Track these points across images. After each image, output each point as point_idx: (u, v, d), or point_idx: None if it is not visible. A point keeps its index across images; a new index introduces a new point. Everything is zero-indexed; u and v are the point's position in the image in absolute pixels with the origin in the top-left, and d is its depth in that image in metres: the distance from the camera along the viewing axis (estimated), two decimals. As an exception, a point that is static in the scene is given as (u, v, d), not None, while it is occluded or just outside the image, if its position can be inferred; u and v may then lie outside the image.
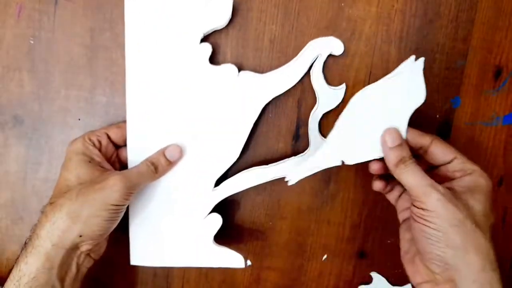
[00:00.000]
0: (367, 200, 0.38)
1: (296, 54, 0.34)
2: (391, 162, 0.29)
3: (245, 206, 0.37)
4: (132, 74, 0.32)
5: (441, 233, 0.27)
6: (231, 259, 0.34)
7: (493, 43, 0.36)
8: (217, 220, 0.34)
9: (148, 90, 0.32)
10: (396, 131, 0.30)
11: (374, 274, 0.39)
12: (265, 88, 0.33)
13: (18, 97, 0.35)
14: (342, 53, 0.34)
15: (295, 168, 0.33)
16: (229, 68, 0.33)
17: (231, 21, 0.33)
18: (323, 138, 0.34)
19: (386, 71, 0.35)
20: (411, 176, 0.28)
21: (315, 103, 0.35)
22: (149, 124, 0.33)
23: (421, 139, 0.30)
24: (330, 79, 0.35)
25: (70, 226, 0.28)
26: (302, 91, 0.35)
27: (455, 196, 0.28)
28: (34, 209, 0.36)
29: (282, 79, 0.33)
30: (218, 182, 0.34)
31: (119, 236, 0.37)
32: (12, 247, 0.37)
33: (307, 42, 0.34)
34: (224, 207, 0.37)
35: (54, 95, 0.35)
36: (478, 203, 0.28)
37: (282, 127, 0.36)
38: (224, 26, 0.33)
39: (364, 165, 0.37)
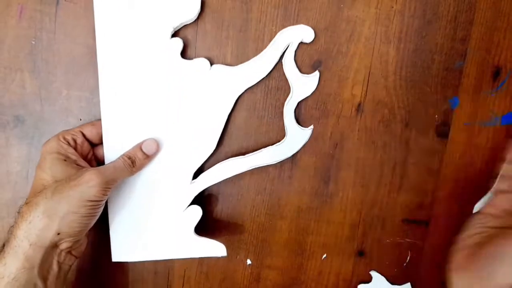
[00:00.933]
0: (366, 200, 0.38)
1: (296, 55, 0.34)
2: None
3: (245, 205, 0.37)
4: (104, 70, 0.32)
5: None
6: (213, 248, 0.35)
7: (491, 44, 0.36)
8: (197, 212, 0.34)
9: (121, 86, 0.33)
10: None
11: (373, 273, 0.39)
12: (237, 80, 0.34)
13: (20, 97, 0.35)
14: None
15: (272, 158, 0.34)
16: (201, 62, 0.33)
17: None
18: (300, 126, 0.35)
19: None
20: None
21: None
22: (124, 120, 0.33)
23: None
24: (330, 79, 0.35)
25: (47, 224, 0.28)
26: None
27: None
28: (35, 208, 0.36)
29: (254, 70, 0.34)
30: (195, 175, 0.35)
31: None
32: (13, 246, 0.37)
33: (306, 43, 0.34)
34: (225, 207, 0.38)
35: (55, 96, 0.35)
36: None
37: (281, 127, 0.36)
38: (193, 20, 0.33)
39: (364, 165, 0.37)
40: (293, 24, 0.34)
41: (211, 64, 0.34)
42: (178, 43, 0.33)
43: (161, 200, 0.34)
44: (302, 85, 0.35)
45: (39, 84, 0.35)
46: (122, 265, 0.37)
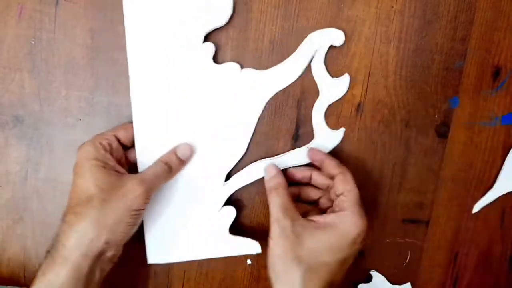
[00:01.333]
0: (366, 200, 0.38)
1: (296, 55, 0.34)
2: (266, 190, 0.33)
3: (245, 206, 0.38)
4: (135, 75, 0.32)
5: (272, 261, 0.30)
6: (248, 246, 0.35)
7: (491, 44, 0.36)
8: (231, 212, 0.35)
9: (153, 90, 0.33)
10: (270, 166, 0.34)
11: (373, 273, 0.39)
12: (267, 83, 0.34)
13: (19, 97, 0.35)
14: (342, 46, 0.34)
15: (302, 159, 0.35)
16: (231, 66, 0.34)
17: (230, 22, 0.34)
18: (329, 128, 0.35)
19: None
20: (271, 206, 0.32)
21: (315, 100, 0.35)
22: (156, 125, 0.33)
23: (329, 171, 0.33)
24: (330, 80, 0.36)
25: (97, 234, 0.28)
26: (302, 91, 0.35)
27: (299, 229, 0.30)
28: (34, 209, 0.36)
29: (284, 73, 0.34)
30: (227, 177, 0.35)
31: None
32: (13, 247, 0.37)
33: (306, 43, 0.34)
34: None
35: (55, 96, 0.35)
36: (312, 241, 0.30)
37: (282, 127, 0.36)
38: (224, 24, 0.33)
39: (364, 164, 0.37)
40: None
41: (242, 67, 0.34)
42: (210, 47, 0.33)
43: (195, 201, 0.35)
44: (331, 88, 0.35)
45: (38, 84, 0.35)
46: (121, 265, 0.37)
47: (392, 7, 0.35)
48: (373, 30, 0.35)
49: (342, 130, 0.36)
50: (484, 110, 0.37)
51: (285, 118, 0.36)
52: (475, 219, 0.39)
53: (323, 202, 0.35)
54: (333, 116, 0.36)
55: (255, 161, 0.36)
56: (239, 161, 0.35)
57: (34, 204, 0.36)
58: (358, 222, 0.30)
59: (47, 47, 0.34)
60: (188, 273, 0.38)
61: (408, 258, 0.40)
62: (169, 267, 0.38)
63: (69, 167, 0.35)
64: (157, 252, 0.35)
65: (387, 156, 0.37)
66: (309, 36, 0.34)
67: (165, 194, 0.34)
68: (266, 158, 0.35)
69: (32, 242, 0.37)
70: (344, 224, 0.30)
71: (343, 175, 0.32)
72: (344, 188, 0.31)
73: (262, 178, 0.35)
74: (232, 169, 0.35)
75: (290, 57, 0.34)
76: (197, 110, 0.34)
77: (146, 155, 0.33)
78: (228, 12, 0.32)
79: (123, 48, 0.33)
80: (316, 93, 0.35)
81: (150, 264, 0.37)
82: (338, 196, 0.32)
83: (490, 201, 0.39)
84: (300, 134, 0.36)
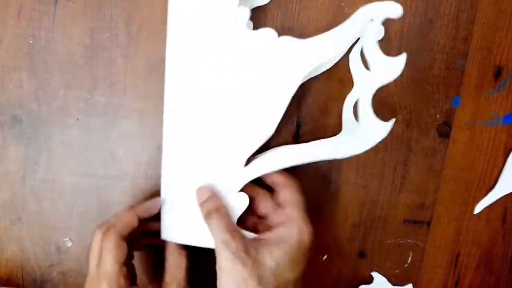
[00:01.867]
0: (367, 200, 0.38)
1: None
2: (202, 216, 0.30)
3: (245, 206, 0.37)
4: (172, 44, 0.30)
5: None
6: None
7: (493, 43, 0.36)
8: (243, 200, 0.31)
9: (188, 57, 0.30)
10: (202, 189, 0.31)
11: (375, 274, 0.39)
12: (307, 54, 0.29)
13: (17, 97, 0.35)
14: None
15: (341, 151, 0.30)
16: (267, 32, 0.30)
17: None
18: (377, 118, 0.30)
19: None
20: (213, 230, 0.29)
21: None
22: (186, 95, 0.31)
23: (272, 177, 0.32)
24: (331, 79, 0.35)
25: None
26: (303, 91, 0.35)
27: (252, 251, 0.27)
28: (32, 209, 0.36)
29: (327, 44, 0.29)
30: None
31: None
32: (11, 247, 0.37)
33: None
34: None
35: (53, 95, 0.35)
36: (271, 260, 0.27)
37: (282, 127, 0.36)
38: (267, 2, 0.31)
39: (365, 165, 0.37)
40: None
41: (279, 35, 0.30)
42: (245, 12, 0.30)
43: (213, 181, 0.31)
44: (385, 68, 0.29)
45: (36, 84, 0.35)
46: None
47: None
48: None
49: (392, 121, 0.30)
50: (485, 109, 0.37)
51: (285, 118, 0.36)
52: (477, 220, 0.39)
53: (272, 219, 0.31)
54: (334, 116, 0.36)
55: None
56: (264, 143, 0.32)
57: (32, 204, 0.36)
58: (308, 229, 0.29)
59: (46, 47, 0.34)
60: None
61: (410, 259, 0.39)
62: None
63: (68, 167, 0.36)
64: (172, 229, 0.32)
65: (388, 156, 0.37)
66: (361, 7, 0.29)
67: (184, 172, 0.32)
68: (297, 144, 0.31)
69: (30, 243, 0.37)
70: (297, 235, 0.29)
71: (288, 184, 0.31)
72: (290, 197, 0.30)
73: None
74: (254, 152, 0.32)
75: (338, 27, 0.29)
76: (227, 83, 0.30)
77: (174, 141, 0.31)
78: None
79: (121, 47, 0.34)
80: (319, 92, 0.35)
81: None
82: (282, 205, 0.30)
83: (492, 201, 0.39)
84: (301, 134, 0.36)
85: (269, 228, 0.30)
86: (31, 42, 0.34)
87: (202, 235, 0.31)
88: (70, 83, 0.35)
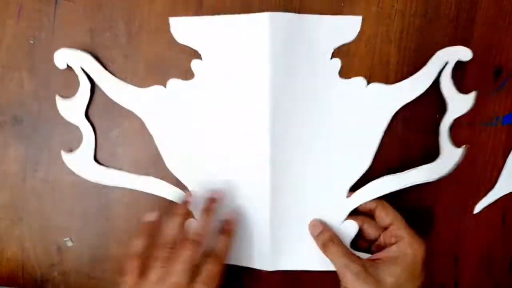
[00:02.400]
0: (367, 200, 0.38)
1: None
2: (318, 248, 0.34)
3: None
4: (274, 85, 0.33)
5: None
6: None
7: (493, 43, 0.36)
8: (354, 226, 0.35)
9: (288, 103, 0.34)
10: (315, 222, 0.35)
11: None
12: (394, 98, 0.35)
13: (18, 97, 0.35)
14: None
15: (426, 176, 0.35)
16: (358, 81, 0.35)
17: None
18: (453, 145, 0.36)
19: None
20: (332, 257, 0.32)
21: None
22: (290, 140, 0.35)
23: (366, 205, 0.35)
24: (330, 79, 0.36)
25: None
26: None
27: (371, 270, 0.31)
28: (33, 209, 0.37)
29: (411, 88, 0.35)
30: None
31: (120, 237, 0.37)
32: (11, 247, 0.37)
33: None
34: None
35: (53, 95, 0.35)
36: (390, 277, 0.30)
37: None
38: (353, 40, 0.35)
39: (375, 166, 0.37)
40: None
41: (368, 82, 0.35)
42: (337, 63, 0.35)
43: (317, 213, 0.36)
44: (459, 103, 0.35)
45: (37, 84, 0.35)
46: (120, 265, 0.37)
47: (393, 6, 0.35)
48: (374, 29, 0.35)
49: (464, 147, 0.35)
50: (485, 110, 0.37)
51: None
52: (476, 220, 0.39)
53: (381, 241, 0.34)
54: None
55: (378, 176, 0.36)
56: (362, 175, 0.36)
57: (32, 204, 0.37)
58: (420, 243, 0.31)
59: (46, 47, 0.34)
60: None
61: (409, 259, 0.40)
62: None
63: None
64: (277, 258, 0.36)
65: (387, 156, 0.37)
66: (437, 53, 0.34)
67: (290, 204, 0.35)
68: (391, 175, 0.35)
69: (30, 243, 0.37)
70: (410, 250, 0.31)
71: (381, 206, 0.33)
72: (389, 218, 0.33)
73: (385, 194, 0.35)
74: (355, 183, 0.36)
75: (419, 72, 0.35)
76: (324, 125, 0.35)
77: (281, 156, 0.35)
78: (358, 28, 0.34)
79: (121, 47, 0.34)
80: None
81: None
82: (386, 228, 0.33)
83: (492, 201, 0.39)
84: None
85: (381, 249, 0.33)
86: (32, 42, 0.34)
87: (305, 261, 0.37)
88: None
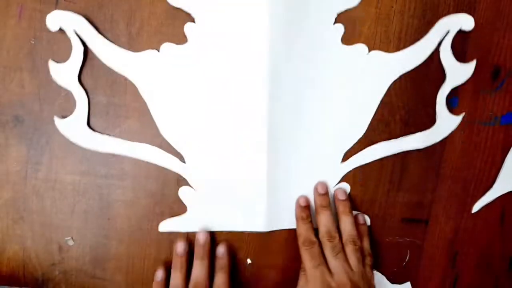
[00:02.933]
0: (365, 199, 0.39)
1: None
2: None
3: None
4: (272, 52, 0.33)
5: None
6: None
7: (491, 44, 0.37)
8: (346, 189, 0.37)
9: (285, 67, 0.34)
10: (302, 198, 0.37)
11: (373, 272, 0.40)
12: (394, 66, 0.35)
13: (19, 97, 0.35)
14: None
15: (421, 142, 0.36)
16: (360, 48, 0.35)
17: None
18: (450, 113, 0.36)
19: None
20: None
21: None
22: (289, 105, 0.35)
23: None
24: (330, 79, 0.36)
25: None
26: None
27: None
28: (34, 209, 0.37)
29: (412, 56, 0.35)
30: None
31: (122, 237, 0.37)
32: (13, 246, 0.37)
33: (307, 43, 0.35)
34: (224, 207, 0.38)
35: (54, 95, 0.35)
36: None
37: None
38: (357, 5, 0.34)
39: (363, 164, 0.38)
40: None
41: (369, 50, 0.35)
42: (340, 29, 0.34)
43: (312, 177, 0.37)
44: (457, 72, 0.36)
45: (38, 84, 0.35)
46: (122, 264, 0.38)
47: (392, 7, 0.35)
48: (373, 30, 0.35)
49: (462, 115, 0.37)
50: (483, 109, 0.38)
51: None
52: (474, 219, 0.40)
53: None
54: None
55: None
56: (358, 140, 0.37)
57: (33, 204, 0.37)
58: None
59: (47, 47, 0.34)
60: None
61: (408, 257, 0.40)
62: (169, 266, 0.38)
63: (69, 167, 0.36)
64: (272, 218, 0.37)
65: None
66: (439, 21, 0.35)
67: (287, 166, 0.36)
68: (385, 141, 0.37)
69: (31, 242, 0.37)
70: None
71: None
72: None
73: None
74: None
75: (420, 40, 0.35)
76: (322, 89, 0.35)
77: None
78: None
79: (123, 48, 0.34)
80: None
81: (150, 264, 0.38)
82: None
83: (490, 200, 0.39)
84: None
85: None
86: (33, 42, 0.34)
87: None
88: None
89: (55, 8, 0.34)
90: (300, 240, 0.35)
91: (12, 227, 0.37)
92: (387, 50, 0.36)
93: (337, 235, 0.35)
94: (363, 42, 0.35)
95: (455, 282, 0.41)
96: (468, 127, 0.38)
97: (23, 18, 0.34)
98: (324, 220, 0.35)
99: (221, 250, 0.36)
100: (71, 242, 0.37)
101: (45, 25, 0.34)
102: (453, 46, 0.36)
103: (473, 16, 0.35)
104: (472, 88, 0.37)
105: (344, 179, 0.38)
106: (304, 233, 0.35)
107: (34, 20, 0.34)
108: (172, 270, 0.35)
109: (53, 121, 0.35)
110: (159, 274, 0.36)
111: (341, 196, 0.36)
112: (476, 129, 0.38)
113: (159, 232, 0.37)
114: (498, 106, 0.38)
